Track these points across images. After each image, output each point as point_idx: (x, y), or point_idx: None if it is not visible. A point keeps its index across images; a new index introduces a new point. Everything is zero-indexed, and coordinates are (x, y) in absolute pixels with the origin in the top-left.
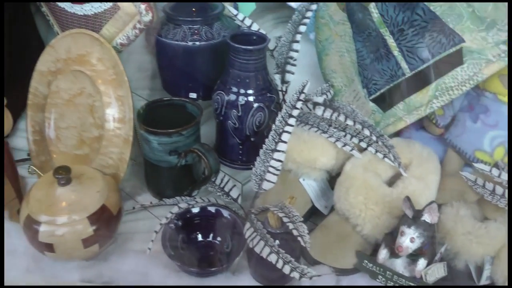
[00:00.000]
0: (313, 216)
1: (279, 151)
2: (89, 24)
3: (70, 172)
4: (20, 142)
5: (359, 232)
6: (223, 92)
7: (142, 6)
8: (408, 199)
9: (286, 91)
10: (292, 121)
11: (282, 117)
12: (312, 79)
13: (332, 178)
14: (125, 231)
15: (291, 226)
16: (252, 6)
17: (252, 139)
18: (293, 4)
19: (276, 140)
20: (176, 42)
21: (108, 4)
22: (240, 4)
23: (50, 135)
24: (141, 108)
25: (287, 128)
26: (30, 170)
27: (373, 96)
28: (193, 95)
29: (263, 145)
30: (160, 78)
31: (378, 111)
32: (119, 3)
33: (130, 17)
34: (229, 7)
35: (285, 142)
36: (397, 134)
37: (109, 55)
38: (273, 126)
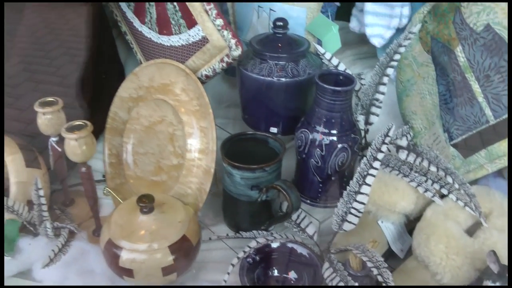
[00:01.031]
0: (388, 258)
1: (362, 193)
2: (175, 54)
3: (153, 201)
4: (96, 163)
5: (439, 281)
6: (307, 131)
7: (233, 40)
8: (493, 253)
9: (367, 132)
10: (377, 164)
11: (367, 159)
12: (389, 117)
13: (409, 222)
14: (200, 260)
15: (375, 271)
16: (337, 44)
17: (332, 178)
18: (376, 43)
19: (360, 183)
20: (262, 77)
21: (197, 37)
22: (324, 41)
23: (128, 160)
24: (225, 141)
25: (371, 171)
26: (105, 191)
27: (454, 141)
28: (273, 130)
29: (346, 186)
30: (241, 109)
31: (458, 157)
32: (208, 36)
33: (218, 51)
34: (316, 45)
35: (369, 185)
36: (474, 180)
37: (194, 86)
38: (358, 168)
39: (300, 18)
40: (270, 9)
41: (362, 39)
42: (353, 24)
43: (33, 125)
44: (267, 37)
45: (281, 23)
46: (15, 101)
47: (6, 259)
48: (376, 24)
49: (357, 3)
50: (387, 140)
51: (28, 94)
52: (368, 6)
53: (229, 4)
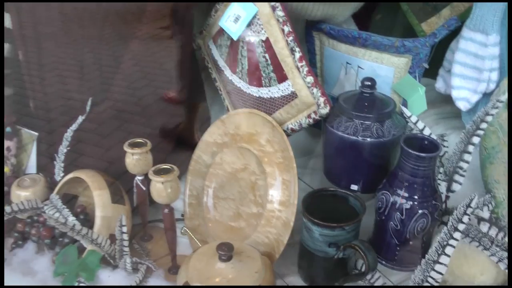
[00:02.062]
0: None
1: (441, 263)
2: (263, 105)
3: (232, 249)
4: (176, 202)
5: None
6: (388, 193)
7: (321, 99)
8: None
9: (448, 198)
10: (457, 235)
11: (447, 229)
12: (470, 182)
13: None
14: None
15: None
16: (423, 106)
17: (410, 242)
18: (461, 106)
19: (439, 252)
20: (347, 136)
21: (286, 92)
22: (410, 102)
23: (208, 203)
24: (307, 196)
25: (451, 241)
26: (182, 231)
27: None
28: (354, 187)
29: (423, 251)
30: (322, 162)
31: None
32: (297, 92)
33: (306, 106)
34: (402, 107)
35: (448, 255)
36: None
37: (279, 138)
38: (438, 237)
39: (388, 77)
40: (358, 66)
41: (446, 98)
42: (439, 85)
43: (120, 163)
44: (354, 96)
45: (369, 83)
46: (102, 138)
47: None
48: (463, 87)
49: (445, 64)
50: (469, 211)
51: (115, 133)
52: (456, 68)
53: (317, 57)
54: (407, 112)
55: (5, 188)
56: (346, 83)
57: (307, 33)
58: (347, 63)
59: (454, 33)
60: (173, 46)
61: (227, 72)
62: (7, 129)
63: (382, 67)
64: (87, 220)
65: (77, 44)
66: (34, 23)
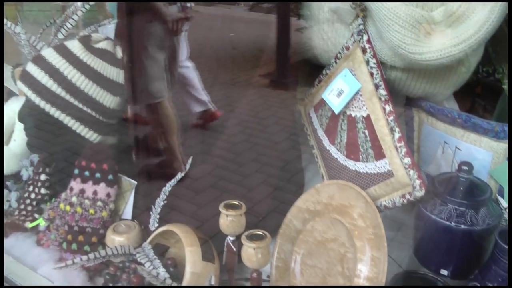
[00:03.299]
0: None
1: None
2: (358, 179)
3: None
4: None
5: None
6: (478, 285)
7: (417, 181)
8: None
9: None
10: None
11: None
12: None
13: None
14: None
15: None
16: None
17: None
18: None
19: None
20: (440, 220)
21: (383, 169)
22: (507, 190)
23: (295, 268)
24: (396, 277)
25: None
26: None
27: None
28: (444, 272)
29: None
30: (412, 241)
31: None
32: (394, 171)
33: (401, 186)
34: (499, 197)
35: None
36: None
37: (372, 214)
38: None
39: (485, 161)
40: (456, 147)
41: None
42: None
43: (213, 221)
44: (450, 178)
45: (466, 168)
46: (196, 195)
47: None
48: None
49: None
50: None
51: (209, 190)
52: None
53: (415, 133)
54: (503, 202)
55: (101, 231)
56: (443, 162)
57: (406, 108)
58: (445, 142)
59: None
60: (271, 95)
61: (325, 142)
62: (109, 176)
63: (480, 150)
64: (176, 273)
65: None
66: None
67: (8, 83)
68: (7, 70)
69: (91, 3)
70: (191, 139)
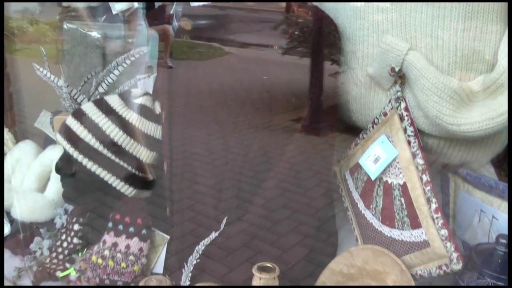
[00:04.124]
0: None
1: None
2: (393, 246)
3: None
4: None
5: None
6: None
7: (455, 254)
8: None
9: None
10: None
11: None
12: None
13: None
14: None
15: None
16: None
17: None
18: None
19: None
20: None
21: (419, 239)
22: None
23: None
24: None
25: None
26: None
27: None
28: None
29: None
30: None
31: None
32: (430, 242)
33: (438, 257)
34: None
35: None
36: None
37: (407, 283)
38: None
39: None
40: (493, 216)
41: None
42: None
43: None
44: (487, 250)
45: (504, 241)
46: (228, 254)
47: None
48: None
49: None
50: None
51: (242, 249)
52: None
53: (451, 198)
54: None
55: (132, 285)
56: (479, 231)
57: (442, 173)
58: (482, 211)
59: None
60: (303, 140)
61: (361, 206)
62: (143, 231)
63: None
64: None
65: (210, 131)
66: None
67: (46, 129)
68: (46, 116)
69: (132, 58)
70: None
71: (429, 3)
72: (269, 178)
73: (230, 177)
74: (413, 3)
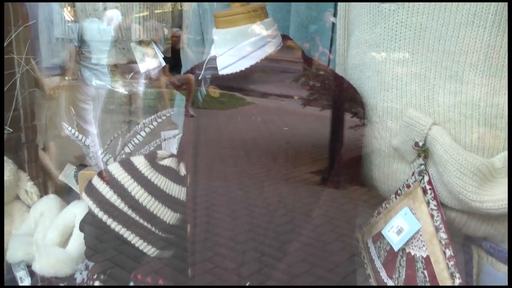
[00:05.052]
0: None
1: None
2: None
3: None
4: None
5: None
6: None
7: None
8: None
9: None
10: None
11: None
12: None
13: None
14: None
15: None
16: None
17: None
18: None
19: None
20: None
21: None
22: None
23: None
24: None
25: None
26: None
27: None
28: None
29: None
30: None
31: None
32: None
33: None
34: None
35: None
36: None
37: None
38: None
39: None
40: None
41: None
42: None
43: None
44: None
45: None
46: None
47: None
48: None
49: None
50: None
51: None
52: None
53: (474, 270)
54: None
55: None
56: None
57: (465, 244)
58: (506, 284)
59: None
60: (322, 193)
61: (383, 275)
62: None
63: None
64: None
65: (227, 182)
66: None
67: (70, 182)
68: (70, 169)
69: (158, 120)
70: None
71: (452, 79)
72: (289, 231)
73: (249, 230)
74: (436, 79)
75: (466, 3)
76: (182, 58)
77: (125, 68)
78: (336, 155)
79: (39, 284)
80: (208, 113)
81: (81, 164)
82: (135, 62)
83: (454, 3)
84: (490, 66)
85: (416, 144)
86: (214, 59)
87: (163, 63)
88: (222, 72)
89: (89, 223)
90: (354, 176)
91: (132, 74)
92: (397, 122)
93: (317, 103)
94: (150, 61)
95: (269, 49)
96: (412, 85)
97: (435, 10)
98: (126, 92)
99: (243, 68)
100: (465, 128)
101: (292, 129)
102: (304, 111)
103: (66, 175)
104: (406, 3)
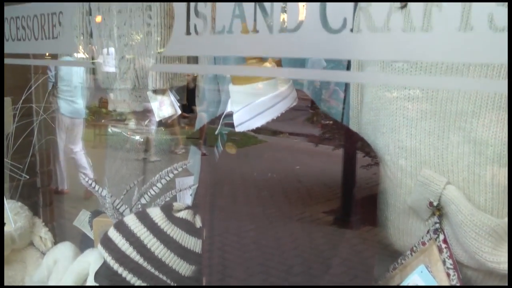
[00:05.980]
0: None
1: None
2: None
3: None
4: None
5: None
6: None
7: None
8: None
9: None
10: None
11: None
12: None
13: None
14: None
15: None
16: None
17: None
18: None
19: None
20: None
21: None
22: None
23: None
24: None
25: None
26: None
27: None
28: None
29: None
30: None
31: None
32: None
33: None
34: None
35: None
36: None
37: None
38: None
39: None
40: None
41: None
42: None
43: None
44: None
45: None
46: None
47: None
48: None
49: None
50: None
51: None
52: None
53: None
54: None
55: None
56: None
57: None
58: None
59: None
60: (335, 233)
61: None
62: None
63: None
64: None
65: (239, 220)
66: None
67: (85, 228)
68: (85, 215)
69: (175, 172)
70: None
71: (466, 139)
72: (301, 273)
73: (261, 271)
74: (450, 139)
75: (477, 67)
76: (196, 102)
77: (140, 116)
78: (348, 194)
79: None
80: (224, 169)
81: (96, 210)
82: (150, 109)
83: (465, 67)
84: (503, 127)
85: (431, 203)
86: (230, 115)
87: (179, 111)
88: (238, 128)
89: (104, 275)
90: (367, 217)
91: (147, 121)
92: (411, 179)
93: (329, 141)
94: (166, 109)
95: (284, 106)
96: (426, 143)
97: (447, 71)
98: (142, 140)
99: (259, 125)
100: (479, 187)
101: (304, 167)
102: (316, 150)
103: (81, 221)
104: (419, 63)
